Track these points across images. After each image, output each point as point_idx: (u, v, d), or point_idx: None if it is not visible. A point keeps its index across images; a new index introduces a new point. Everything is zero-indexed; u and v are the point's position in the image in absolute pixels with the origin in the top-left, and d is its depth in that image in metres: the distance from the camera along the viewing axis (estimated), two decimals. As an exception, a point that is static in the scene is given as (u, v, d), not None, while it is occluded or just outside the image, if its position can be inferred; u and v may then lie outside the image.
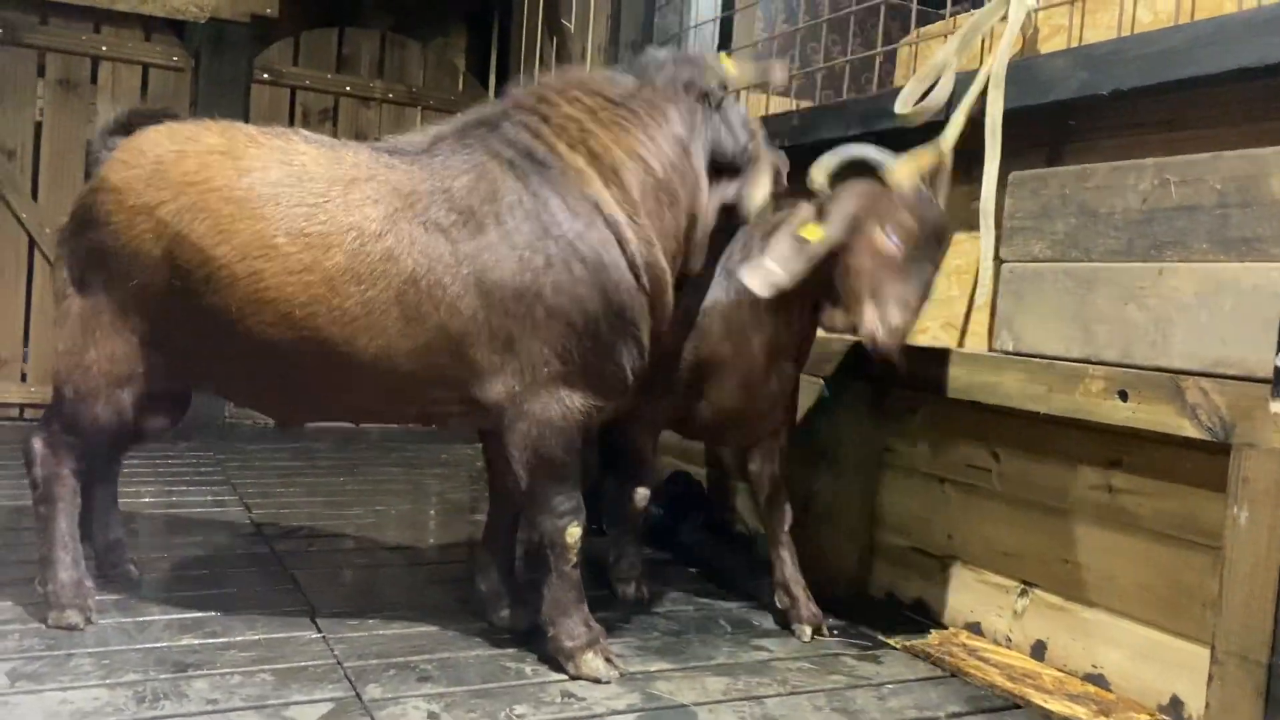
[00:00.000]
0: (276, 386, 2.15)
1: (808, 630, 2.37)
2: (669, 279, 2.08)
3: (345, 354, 1.97)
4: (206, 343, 2.07)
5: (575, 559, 2.05)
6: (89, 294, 2.11)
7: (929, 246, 2.10)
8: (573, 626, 2.05)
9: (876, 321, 2.03)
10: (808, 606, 2.41)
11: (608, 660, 2.04)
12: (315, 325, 1.96)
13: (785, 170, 2.27)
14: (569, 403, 1.99)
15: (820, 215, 2.12)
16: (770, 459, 2.50)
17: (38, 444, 2.18)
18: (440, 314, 1.95)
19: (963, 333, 2.53)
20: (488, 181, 1.99)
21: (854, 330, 2.12)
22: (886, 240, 2.05)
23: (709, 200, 2.14)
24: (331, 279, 1.94)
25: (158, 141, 2.08)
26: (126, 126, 2.19)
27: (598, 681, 2.00)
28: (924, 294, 2.10)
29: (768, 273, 2.05)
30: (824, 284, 2.15)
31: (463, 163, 2.03)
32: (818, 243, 2.07)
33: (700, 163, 2.12)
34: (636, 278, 2.00)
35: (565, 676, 2.02)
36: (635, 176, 2.02)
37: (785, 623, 2.43)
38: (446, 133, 2.11)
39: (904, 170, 2.12)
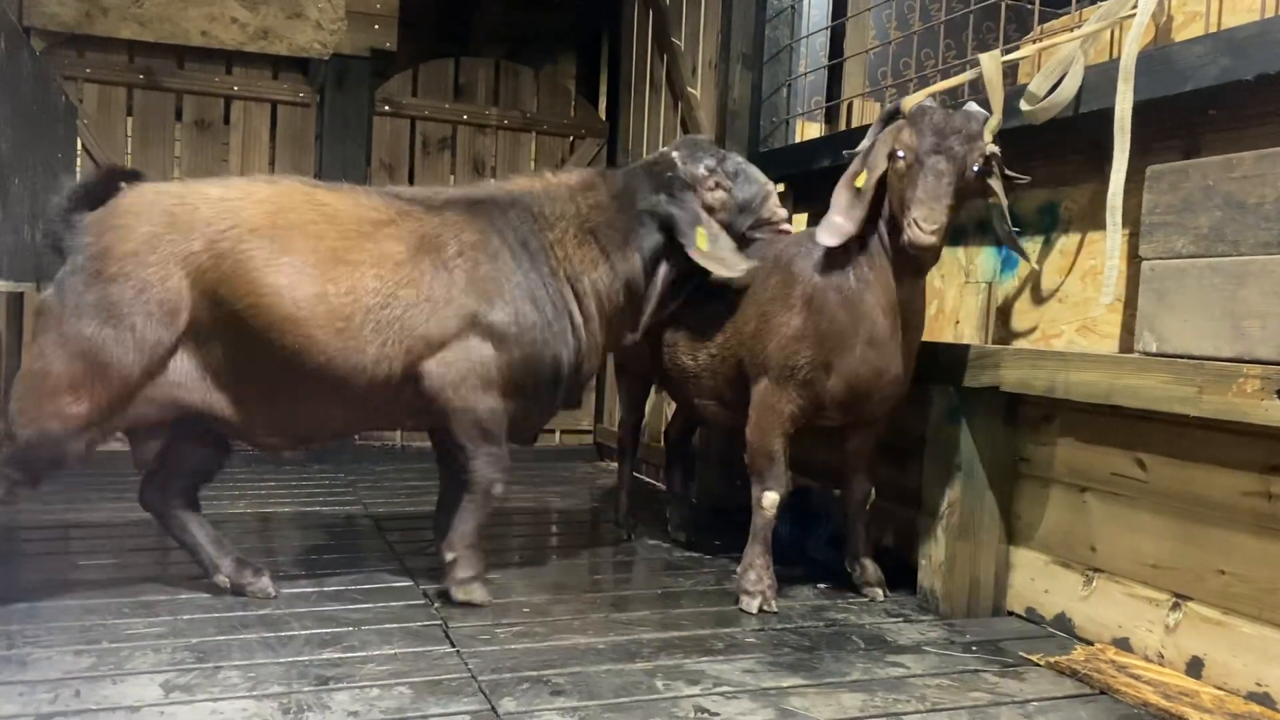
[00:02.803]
0: (291, 400, 2.42)
1: (879, 591, 2.74)
2: (591, 369, 2.74)
3: (356, 364, 2.36)
4: (234, 366, 2.34)
5: (491, 510, 2.54)
6: (95, 348, 2.23)
7: (939, 146, 2.27)
8: (472, 560, 2.51)
9: (908, 229, 2.26)
10: (875, 573, 2.77)
11: (486, 591, 2.53)
12: (344, 341, 2.34)
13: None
14: (497, 405, 2.49)
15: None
16: (868, 441, 2.72)
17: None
18: (430, 331, 2.41)
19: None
20: (493, 247, 2.51)
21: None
22: (897, 159, 2.31)
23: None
24: (360, 300, 2.35)
25: (151, 200, 2.33)
26: (87, 199, 2.32)
27: (483, 605, 2.48)
28: (937, 187, 2.26)
29: (835, 226, 2.43)
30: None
31: (472, 223, 2.53)
32: (864, 186, 2.40)
33: (650, 275, 2.69)
34: (575, 362, 2.60)
35: (697, 691, 2.01)
36: (593, 299, 2.63)
37: (856, 589, 2.77)
38: (457, 198, 2.60)
39: (911, 99, 2.39)
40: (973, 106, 2.38)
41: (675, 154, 2.72)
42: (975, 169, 2.29)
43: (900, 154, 2.31)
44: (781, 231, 2.76)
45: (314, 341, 2.32)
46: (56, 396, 2.23)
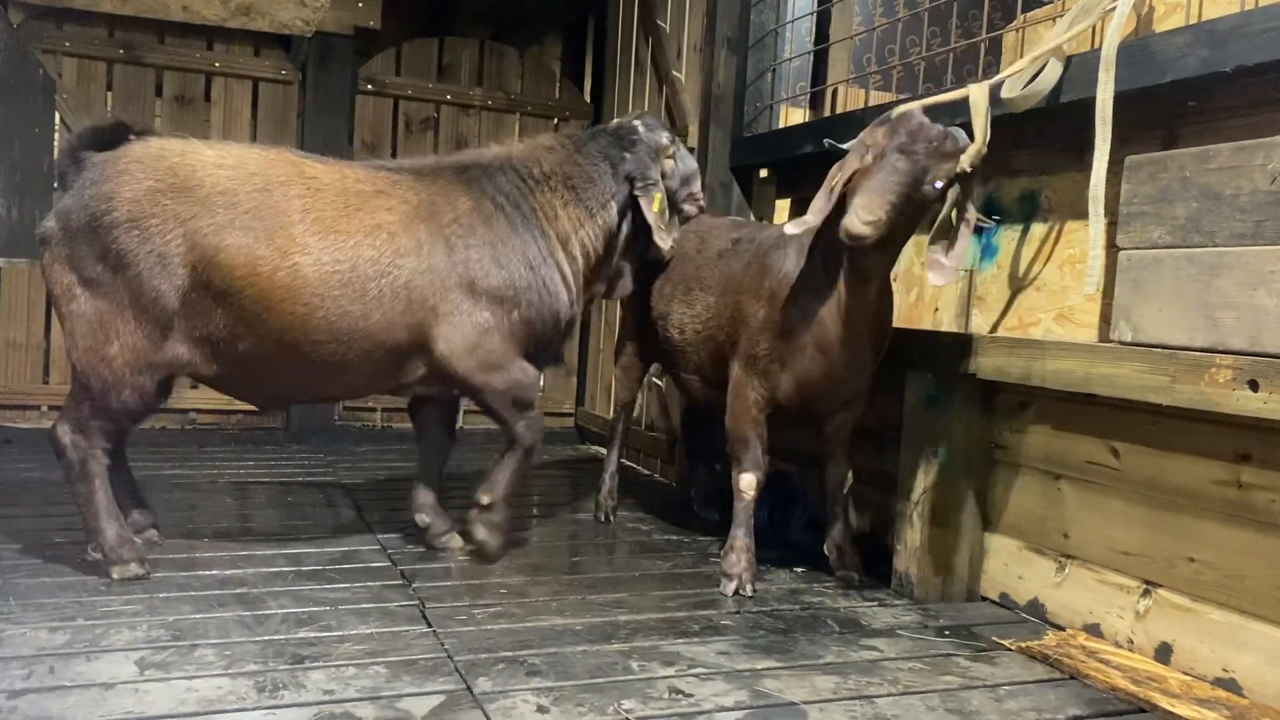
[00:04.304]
0: (284, 367, 2.50)
1: (855, 575, 2.76)
2: (576, 321, 2.91)
3: (359, 329, 2.46)
4: (232, 332, 2.41)
5: (528, 470, 2.73)
6: (104, 293, 2.34)
7: (904, 147, 2.28)
8: (504, 511, 2.71)
9: (847, 215, 2.26)
10: (853, 559, 2.79)
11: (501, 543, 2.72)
12: (341, 307, 2.43)
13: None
14: (520, 375, 2.65)
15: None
16: (844, 428, 2.74)
17: (65, 432, 2.41)
18: (434, 299, 2.52)
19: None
20: (484, 213, 2.63)
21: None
22: (865, 156, 2.34)
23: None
24: (357, 267, 2.44)
25: (156, 154, 2.40)
26: (96, 140, 2.41)
27: (492, 555, 2.73)
28: (886, 182, 2.26)
29: (801, 220, 2.42)
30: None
31: (463, 190, 2.64)
32: (835, 183, 2.40)
33: (617, 233, 2.88)
34: (570, 312, 2.76)
35: (672, 672, 2.02)
36: (580, 256, 2.80)
37: (832, 572, 2.79)
38: (448, 165, 2.73)
39: (903, 108, 2.42)
40: (959, 130, 2.36)
41: (637, 123, 2.94)
42: (936, 186, 2.29)
43: (869, 150, 2.33)
44: (687, 214, 3.07)
45: (310, 309, 2.40)
46: (95, 339, 2.34)
